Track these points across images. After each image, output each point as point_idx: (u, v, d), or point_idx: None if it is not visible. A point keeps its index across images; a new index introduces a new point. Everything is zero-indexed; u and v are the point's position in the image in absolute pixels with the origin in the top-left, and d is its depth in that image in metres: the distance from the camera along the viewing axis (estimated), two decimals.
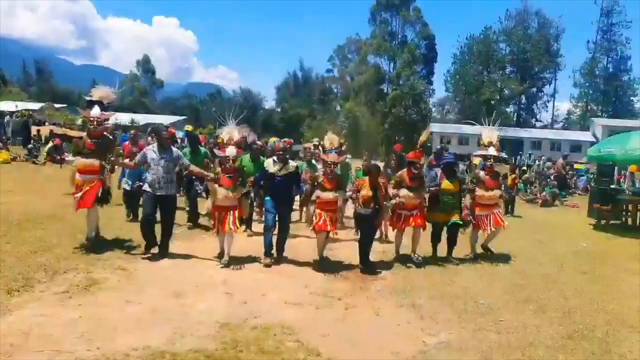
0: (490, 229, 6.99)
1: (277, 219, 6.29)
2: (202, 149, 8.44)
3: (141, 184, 6.69)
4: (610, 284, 6.16)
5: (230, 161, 5.92)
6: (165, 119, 49.83)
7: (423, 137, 7.65)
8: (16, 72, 76.30)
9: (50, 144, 17.17)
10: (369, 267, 6.19)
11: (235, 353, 3.55)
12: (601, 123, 45.69)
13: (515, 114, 59.13)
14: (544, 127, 56.08)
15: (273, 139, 34.56)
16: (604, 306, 5.20)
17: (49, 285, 4.69)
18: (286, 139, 33.00)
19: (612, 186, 11.87)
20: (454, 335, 4.13)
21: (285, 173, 6.18)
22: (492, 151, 7.25)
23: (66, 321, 3.89)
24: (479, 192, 7.08)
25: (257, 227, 7.76)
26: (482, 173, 7.21)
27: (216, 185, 5.86)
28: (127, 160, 7.76)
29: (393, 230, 6.96)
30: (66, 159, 6.00)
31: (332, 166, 6.20)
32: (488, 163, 7.21)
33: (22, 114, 30.59)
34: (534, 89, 58.30)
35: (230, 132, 6.25)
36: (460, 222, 6.83)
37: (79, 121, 36.34)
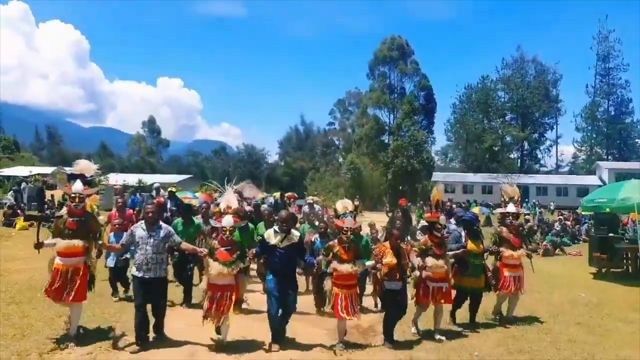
0: (518, 292, 6.63)
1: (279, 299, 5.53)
2: (196, 221, 7.82)
3: (127, 256, 6.30)
4: (603, 334, 6.28)
5: (227, 232, 5.28)
6: (171, 179, 50.15)
7: (436, 195, 6.76)
8: (27, 137, 78.52)
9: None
10: (393, 344, 5.61)
11: None
12: (607, 166, 45.32)
13: (519, 160, 59.06)
14: (549, 172, 55.71)
15: (276, 194, 34.05)
16: (594, 355, 5.40)
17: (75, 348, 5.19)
18: (289, 193, 32.52)
19: (611, 234, 11.92)
20: None
21: (287, 244, 5.46)
22: (511, 208, 6.89)
23: None
24: (506, 252, 6.64)
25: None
26: (505, 231, 6.78)
27: (210, 260, 5.18)
28: (111, 238, 7.25)
29: (416, 304, 6.10)
30: (45, 242, 5.18)
31: (349, 233, 5.47)
32: (508, 221, 6.82)
33: (35, 179, 31.28)
34: (536, 135, 58.49)
35: (229, 199, 5.76)
36: (486, 287, 6.53)
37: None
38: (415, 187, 49.35)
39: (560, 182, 46.76)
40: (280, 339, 5.49)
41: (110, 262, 7.39)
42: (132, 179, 44.70)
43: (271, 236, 5.51)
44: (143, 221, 5.55)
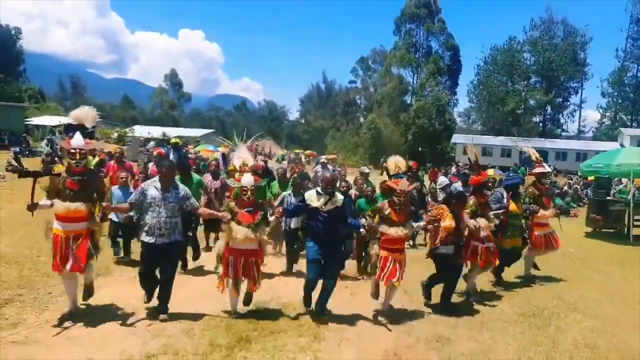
0: (550, 249, 6.89)
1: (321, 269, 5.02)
2: (196, 177, 7.01)
3: (132, 214, 5.49)
4: (577, 281, 7.17)
5: (249, 192, 4.78)
6: (194, 132, 51.35)
7: (473, 155, 6.64)
8: (52, 87, 79.85)
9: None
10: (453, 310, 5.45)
11: None
12: (630, 133, 44.78)
13: (541, 124, 58.42)
14: (570, 137, 55.16)
15: (297, 151, 35.00)
16: (561, 295, 6.34)
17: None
18: (309, 151, 33.49)
19: (608, 198, 12.73)
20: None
21: (331, 207, 4.95)
22: (547, 167, 7.18)
23: None
24: (540, 211, 6.81)
25: None
26: (536, 191, 6.96)
27: (233, 223, 4.67)
28: (117, 193, 6.76)
29: (466, 266, 6.02)
30: (40, 203, 4.41)
31: (402, 195, 5.06)
32: (544, 180, 7.01)
33: (62, 129, 32.24)
34: (560, 99, 57.52)
35: (243, 156, 5.32)
36: (524, 246, 6.73)
37: (115, 135, 38.21)
38: (435, 148, 49.66)
39: (580, 147, 46.53)
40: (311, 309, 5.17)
41: (114, 216, 6.73)
42: (156, 131, 46.04)
43: (313, 198, 5.01)
44: (156, 179, 4.87)
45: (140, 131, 46.67)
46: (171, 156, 10.80)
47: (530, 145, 7.60)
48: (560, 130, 58.64)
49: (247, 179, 4.85)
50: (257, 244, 4.81)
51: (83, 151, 4.54)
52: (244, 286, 4.97)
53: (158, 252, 4.66)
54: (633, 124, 51.98)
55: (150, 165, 10.66)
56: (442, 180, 11.66)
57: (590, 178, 23.11)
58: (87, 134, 4.67)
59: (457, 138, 49.60)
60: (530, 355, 4.47)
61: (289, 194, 6.87)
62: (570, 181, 21.03)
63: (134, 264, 6.23)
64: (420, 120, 50.81)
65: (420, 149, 49.18)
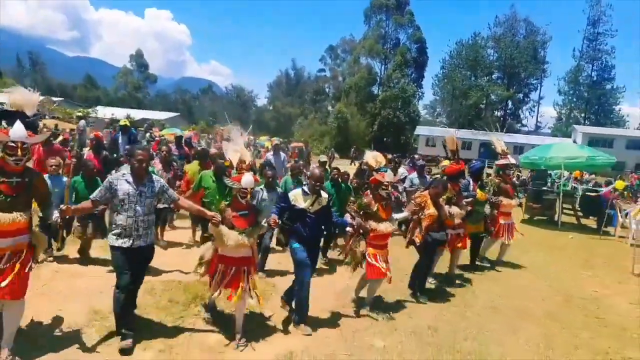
0: (508, 239, 7.18)
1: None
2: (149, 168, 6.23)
3: (62, 207, 3.76)
4: (504, 260, 7.64)
5: (248, 195, 4.18)
6: (159, 115, 50.61)
7: (451, 145, 6.68)
8: (8, 63, 76.37)
9: None
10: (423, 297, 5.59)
11: None
12: (582, 130, 47.22)
13: (502, 119, 60.65)
14: (528, 133, 57.58)
15: (263, 138, 35.24)
16: (483, 270, 7.13)
17: None
18: (275, 138, 33.70)
19: (543, 188, 13.67)
20: None
21: (318, 208, 4.64)
22: (512, 159, 7.44)
23: None
24: (504, 201, 7.09)
25: None
26: (502, 182, 7.25)
27: (223, 228, 4.04)
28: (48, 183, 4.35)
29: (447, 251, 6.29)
30: None
31: (389, 188, 5.00)
32: (509, 172, 7.29)
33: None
34: (520, 95, 59.88)
35: (239, 150, 4.59)
36: (485, 232, 6.98)
37: (77, 115, 37.26)
38: (400, 139, 50.87)
39: (536, 142, 48.63)
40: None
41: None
42: (120, 113, 45.16)
43: (299, 198, 4.61)
44: (127, 172, 4.11)
45: (104, 112, 45.57)
46: (120, 140, 9.79)
47: (500, 139, 7.77)
48: (519, 125, 61.04)
49: (248, 180, 4.16)
50: (250, 251, 4.23)
51: (25, 145, 3.46)
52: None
53: (134, 257, 3.95)
54: (586, 122, 54.77)
55: (86, 150, 8.67)
56: (402, 171, 11.84)
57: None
58: (28, 123, 3.57)
59: (420, 130, 50.92)
60: (448, 316, 5.20)
61: (261, 189, 6.13)
62: (519, 173, 22.32)
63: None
64: (386, 111, 51.85)
65: (385, 139, 50.22)
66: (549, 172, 14.79)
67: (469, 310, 5.41)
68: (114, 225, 3.96)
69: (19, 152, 3.44)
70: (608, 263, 8.45)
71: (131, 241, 3.92)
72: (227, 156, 4.66)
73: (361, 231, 4.89)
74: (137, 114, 46.84)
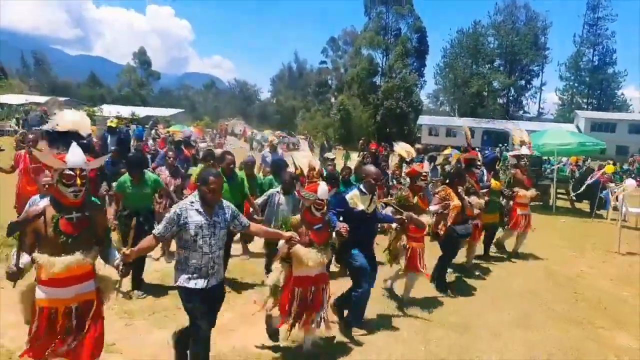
0: (527, 229, 7.19)
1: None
2: (151, 176, 5.42)
3: (125, 251, 3.10)
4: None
5: (325, 206, 3.74)
6: (163, 112, 51.08)
7: (469, 135, 6.87)
8: (13, 64, 76.95)
9: None
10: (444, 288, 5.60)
11: None
12: (585, 115, 47.32)
13: (505, 106, 60.70)
14: (531, 119, 57.61)
15: (267, 131, 35.60)
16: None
17: None
18: (279, 132, 34.16)
19: (545, 173, 13.94)
20: None
21: (374, 208, 4.41)
22: (525, 150, 7.45)
23: None
24: (520, 192, 7.07)
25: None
26: (519, 172, 7.24)
27: (300, 247, 3.62)
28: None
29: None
30: (21, 262, 2.76)
31: (427, 179, 4.94)
32: (522, 162, 7.28)
33: (31, 108, 32.07)
34: (522, 82, 59.80)
35: (308, 156, 4.33)
36: (500, 223, 7.02)
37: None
38: (403, 129, 51.11)
39: (538, 128, 48.78)
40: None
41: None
42: (125, 110, 45.66)
43: (357, 199, 4.28)
44: (195, 199, 3.40)
45: (109, 110, 46.11)
46: (108, 141, 8.90)
47: (523, 129, 7.95)
48: (522, 111, 61.10)
49: (324, 190, 3.75)
50: (324, 267, 3.87)
51: (84, 173, 2.89)
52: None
53: (209, 299, 3.39)
54: (588, 107, 54.75)
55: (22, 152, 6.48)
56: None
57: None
58: (86, 145, 3.01)
59: (422, 119, 51.18)
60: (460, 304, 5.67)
61: (278, 192, 5.52)
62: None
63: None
64: (388, 101, 52.03)
65: (388, 129, 50.49)
66: (545, 158, 15.11)
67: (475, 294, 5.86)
68: (183, 264, 3.33)
69: (78, 182, 2.84)
70: (596, 244, 8.88)
71: (206, 282, 3.32)
72: (296, 164, 4.17)
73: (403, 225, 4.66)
74: (142, 112, 47.30)
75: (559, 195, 13.13)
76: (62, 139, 2.99)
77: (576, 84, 57.92)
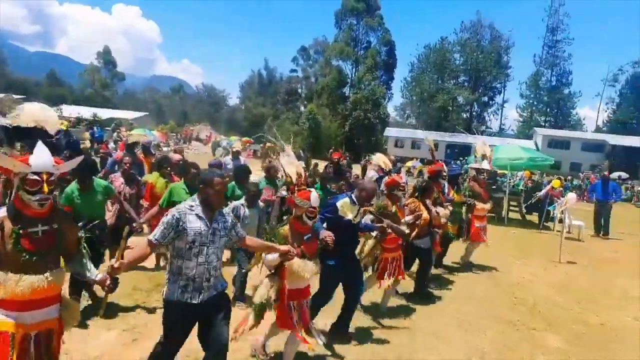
0: (483, 240, 7.38)
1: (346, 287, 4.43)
2: (101, 182, 5.05)
3: (115, 264, 2.80)
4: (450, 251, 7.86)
5: (317, 215, 3.70)
6: (127, 115, 50.01)
7: (433, 147, 7.23)
8: None
9: None
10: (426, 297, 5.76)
11: None
12: (542, 133, 49.45)
13: (468, 121, 62.65)
14: (492, 134, 59.70)
15: (233, 138, 35.22)
16: None
17: None
18: (246, 138, 33.86)
19: (493, 187, 14.24)
20: None
21: (360, 219, 4.43)
22: (485, 165, 7.65)
23: None
24: (478, 205, 7.24)
25: None
26: (477, 186, 7.39)
27: (296, 260, 3.48)
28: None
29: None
30: None
31: (404, 189, 5.04)
32: (481, 177, 7.44)
33: None
34: (485, 98, 62.01)
35: (294, 164, 3.99)
36: (457, 235, 7.18)
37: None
38: (371, 140, 51.95)
39: (499, 144, 50.51)
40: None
41: None
42: (86, 112, 44.48)
43: (347, 208, 4.19)
44: (194, 203, 3.08)
45: (69, 111, 44.73)
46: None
47: (486, 143, 8.20)
48: (484, 127, 63.17)
49: (316, 197, 3.65)
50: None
51: (52, 178, 2.48)
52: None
53: (199, 314, 3.05)
54: (546, 125, 57.25)
55: None
56: (372, 174, 11.30)
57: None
58: (54, 145, 2.62)
59: (389, 131, 52.19)
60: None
61: (243, 204, 5.21)
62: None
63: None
64: (357, 112, 52.88)
65: (356, 140, 51.22)
66: (502, 172, 15.73)
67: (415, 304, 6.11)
68: (175, 275, 3.00)
69: (45, 188, 2.41)
70: (541, 253, 9.40)
71: (201, 296, 2.99)
72: (285, 170, 3.93)
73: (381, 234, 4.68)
74: (104, 113, 46.21)
75: (511, 208, 13.75)
76: (24, 137, 2.58)
77: (535, 102, 60.57)
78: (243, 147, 25.59)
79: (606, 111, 60.06)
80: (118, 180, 6.01)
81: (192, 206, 3.04)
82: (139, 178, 6.59)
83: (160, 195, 5.80)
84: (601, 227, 12.26)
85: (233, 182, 6.11)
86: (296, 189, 3.81)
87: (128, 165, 6.22)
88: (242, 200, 5.27)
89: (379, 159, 5.53)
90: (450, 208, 6.32)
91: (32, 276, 2.41)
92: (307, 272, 3.52)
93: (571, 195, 9.77)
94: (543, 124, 57.81)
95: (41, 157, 2.44)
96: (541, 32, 60.81)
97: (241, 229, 3.34)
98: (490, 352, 4.51)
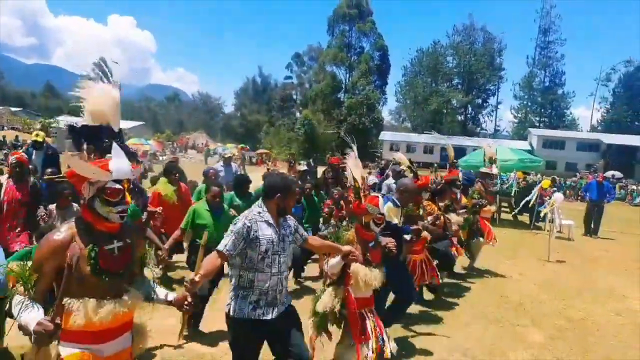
0: (493, 241, 7.48)
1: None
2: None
3: (195, 278, 2.60)
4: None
5: (384, 221, 3.55)
6: (122, 124, 49.57)
7: (451, 153, 6.87)
8: None
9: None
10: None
11: None
12: (537, 133, 49.75)
13: (463, 123, 63.07)
14: (486, 136, 60.07)
15: (229, 145, 35.42)
16: None
17: None
18: (242, 145, 34.02)
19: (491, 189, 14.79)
20: None
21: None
22: (495, 170, 7.93)
23: None
24: (487, 207, 7.37)
25: None
26: (482, 188, 7.54)
27: (358, 265, 3.30)
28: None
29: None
30: (26, 318, 1.88)
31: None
32: (490, 181, 7.75)
33: None
34: (479, 100, 62.44)
35: (359, 167, 3.77)
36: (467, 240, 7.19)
37: (38, 126, 36.56)
38: (366, 145, 52.20)
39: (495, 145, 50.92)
40: None
41: None
42: (82, 122, 44.40)
43: (393, 212, 4.04)
44: (262, 209, 2.88)
45: (66, 122, 44.60)
46: (33, 157, 6.91)
47: (492, 145, 8.31)
48: (479, 129, 63.59)
49: (383, 204, 3.53)
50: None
51: (131, 186, 2.25)
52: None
53: (270, 331, 2.84)
54: (540, 125, 57.62)
55: (3, 179, 5.33)
56: (371, 179, 10.78)
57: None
58: (123, 148, 2.24)
59: (384, 135, 52.43)
60: None
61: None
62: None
63: None
64: (351, 117, 53.19)
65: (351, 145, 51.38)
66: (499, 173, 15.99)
67: None
68: (246, 289, 2.78)
69: (128, 198, 2.27)
70: (530, 253, 9.54)
71: (275, 311, 2.80)
72: (354, 174, 3.63)
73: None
74: None
75: (502, 209, 13.91)
76: (91, 137, 2.17)
77: (529, 103, 61.01)
78: (238, 154, 25.70)
79: (599, 110, 60.68)
80: None
81: (260, 212, 2.85)
82: (142, 187, 6.38)
83: (169, 202, 5.73)
84: (591, 227, 12.40)
85: (232, 192, 5.94)
86: (362, 194, 3.56)
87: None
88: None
89: (401, 158, 5.37)
90: (465, 216, 6.36)
91: (111, 301, 2.09)
92: (374, 280, 3.33)
93: (558, 195, 9.93)
94: (537, 124, 58.17)
95: (121, 162, 2.14)
96: (534, 33, 61.20)
97: (303, 230, 3.16)
98: (472, 349, 4.63)
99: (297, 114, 62.87)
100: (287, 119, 61.57)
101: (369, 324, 3.33)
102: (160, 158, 27.95)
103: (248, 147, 34.46)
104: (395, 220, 3.97)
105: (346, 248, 3.19)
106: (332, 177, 8.41)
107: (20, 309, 1.91)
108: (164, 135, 51.47)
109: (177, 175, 6.15)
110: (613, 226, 13.49)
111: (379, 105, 56.25)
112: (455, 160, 6.90)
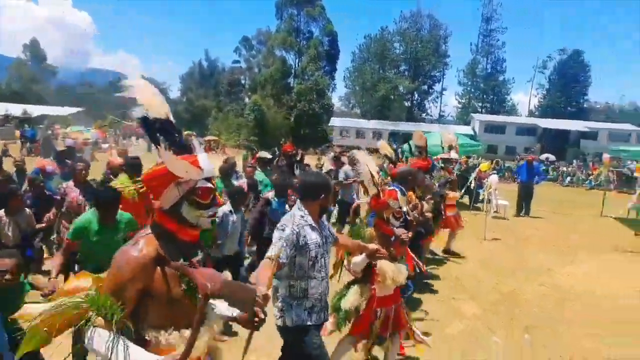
0: (458, 228, 7.60)
1: None
2: (125, 214, 3.89)
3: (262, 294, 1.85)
4: None
5: (403, 213, 3.55)
6: (61, 111, 47.48)
7: (421, 142, 6.65)
8: None
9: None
10: None
11: None
12: (479, 118, 51.93)
13: (409, 109, 64.71)
14: (433, 122, 62.02)
15: (185, 132, 34.85)
16: None
17: None
18: (188, 132, 33.19)
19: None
20: None
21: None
22: (454, 154, 7.86)
23: None
24: (450, 194, 7.37)
25: None
26: (448, 175, 7.54)
27: (386, 262, 3.22)
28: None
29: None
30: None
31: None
32: (451, 166, 7.76)
33: None
34: (425, 87, 64.20)
35: (372, 160, 3.71)
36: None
37: None
38: (317, 130, 52.43)
39: (438, 130, 52.72)
40: None
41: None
42: (15, 109, 41.83)
43: (402, 201, 3.70)
44: (304, 212, 2.74)
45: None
46: None
47: (451, 133, 8.35)
48: (425, 114, 65.51)
49: (401, 197, 3.47)
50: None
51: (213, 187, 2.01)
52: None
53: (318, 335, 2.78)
54: (482, 110, 60.20)
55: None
56: (346, 168, 10.33)
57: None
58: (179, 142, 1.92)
59: (334, 121, 52.89)
60: None
61: (273, 198, 5.11)
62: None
63: None
64: (301, 103, 53.13)
65: (302, 131, 51.49)
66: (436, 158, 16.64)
67: None
68: (301, 298, 2.66)
69: (220, 199, 1.97)
70: (470, 233, 10.09)
71: (325, 314, 2.78)
72: (369, 168, 3.51)
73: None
74: (35, 110, 43.61)
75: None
76: (165, 132, 1.86)
77: (472, 89, 63.44)
78: (186, 141, 24.80)
79: (536, 96, 64.13)
80: (73, 191, 4.95)
81: (303, 216, 2.68)
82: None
83: (129, 199, 4.16)
84: (522, 207, 13.25)
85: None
86: (379, 188, 3.47)
87: (82, 170, 5.17)
88: (229, 206, 4.66)
89: (384, 148, 5.19)
90: (432, 201, 6.34)
91: (202, 330, 1.69)
92: (401, 274, 3.29)
93: (493, 178, 10.60)
94: (480, 110, 60.73)
95: (207, 158, 1.85)
96: (477, 22, 63.60)
97: (332, 229, 3.02)
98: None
99: (246, 99, 61.91)
100: (236, 105, 60.46)
101: (377, 323, 3.34)
102: (104, 146, 26.83)
103: (195, 134, 33.60)
104: (405, 208, 3.88)
105: (372, 247, 3.08)
106: (287, 164, 8.29)
107: (113, 347, 1.52)
108: (107, 122, 49.27)
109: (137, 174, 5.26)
110: (544, 206, 14.46)
111: (328, 92, 56.51)
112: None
